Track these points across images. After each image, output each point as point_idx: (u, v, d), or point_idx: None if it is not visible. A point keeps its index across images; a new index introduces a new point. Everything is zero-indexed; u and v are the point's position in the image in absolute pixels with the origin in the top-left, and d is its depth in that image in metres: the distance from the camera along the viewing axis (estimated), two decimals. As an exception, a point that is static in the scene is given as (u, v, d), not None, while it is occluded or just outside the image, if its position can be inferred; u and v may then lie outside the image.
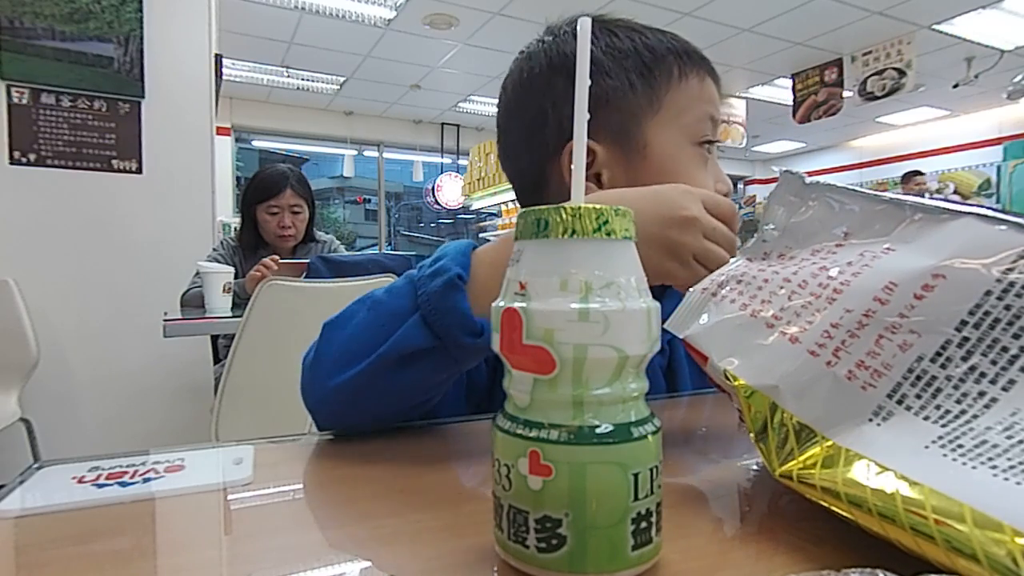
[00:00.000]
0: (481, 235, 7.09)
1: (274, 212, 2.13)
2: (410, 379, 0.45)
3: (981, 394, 0.26)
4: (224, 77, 3.35)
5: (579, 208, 0.25)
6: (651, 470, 0.25)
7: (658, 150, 0.62)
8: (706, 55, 0.66)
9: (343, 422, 0.48)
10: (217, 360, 2.24)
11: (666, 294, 0.44)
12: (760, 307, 0.34)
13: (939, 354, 0.28)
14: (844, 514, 0.27)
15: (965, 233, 0.30)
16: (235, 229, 2.37)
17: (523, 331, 0.25)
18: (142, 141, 2.29)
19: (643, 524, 0.25)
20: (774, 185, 0.39)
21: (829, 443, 0.29)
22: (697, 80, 0.64)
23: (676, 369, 0.67)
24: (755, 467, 0.40)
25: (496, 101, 0.71)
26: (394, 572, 0.28)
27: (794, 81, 5.65)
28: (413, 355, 0.44)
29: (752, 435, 0.32)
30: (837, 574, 0.20)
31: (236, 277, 1.91)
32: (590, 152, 0.63)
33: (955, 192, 7.28)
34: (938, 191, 7.42)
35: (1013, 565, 0.21)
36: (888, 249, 0.32)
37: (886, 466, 0.26)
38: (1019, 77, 5.18)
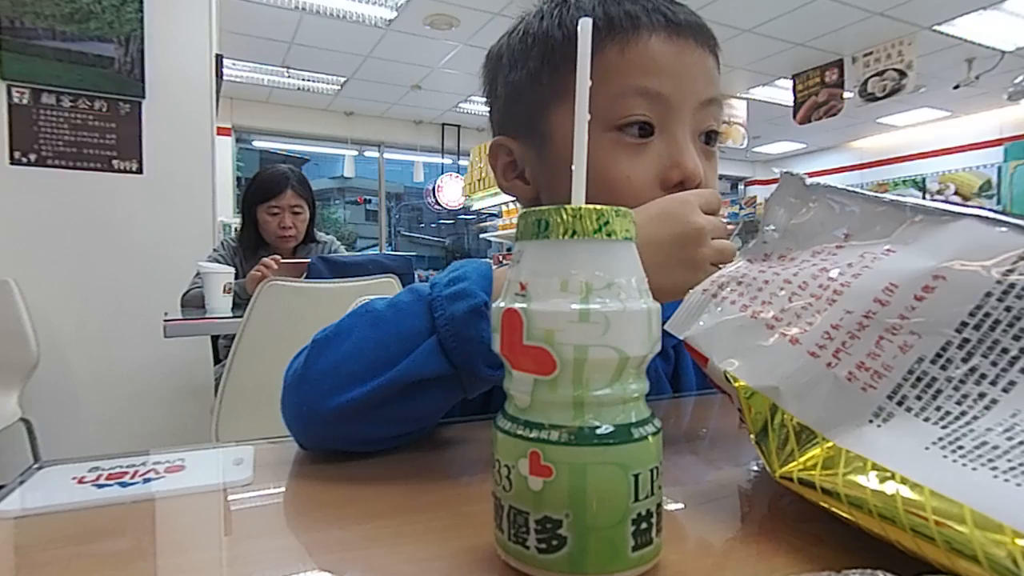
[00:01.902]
0: (482, 236, 7.09)
1: (275, 212, 2.13)
2: (416, 406, 0.42)
3: (981, 395, 0.26)
4: (224, 77, 3.35)
5: (579, 208, 0.25)
6: (651, 471, 0.25)
7: (560, 140, 0.55)
8: (664, 11, 0.55)
9: (330, 444, 0.43)
10: (217, 360, 2.25)
11: None
12: (760, 308, 0.34)
13: (939, 355, 0.28)
14: (844, 515, 0.27)
15: (965, 235, 0.30)
16: (235, 229, 2.37)
17: (523, 332, 0.25)
18: (142, 141, 2.29)
19: (643, 525, 0.25)
20: (775, 186, 0.39)
21: (829, 444, 0.29)
22: (617, 49, 0.54)
23: (682, 375, 0.66)
24: (755, 468, 0.40)
25: None
26: (394, 573, 0.28)
27: (795, 82, 5.65)
28: (424, 382, 0.40)
29: (752, 436, 0.32)
30: (837, 575, 0.20)
31: (236, 277, 1.91)
32: (507, 149, 0.62)
33: (956, 193, 7.27)
34: (938, 192, 7.42)
35: (1013, 566, 0.21)
36: (888, 250, 0.32)
37: (886, 467, 0.26)
38: (1020, 78, 5.17)
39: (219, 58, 2.57)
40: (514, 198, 0.66)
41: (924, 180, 7.60)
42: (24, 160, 2.14)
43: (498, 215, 6.51)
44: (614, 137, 0.54)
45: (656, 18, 0.55)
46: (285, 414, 0.43)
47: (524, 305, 0.25)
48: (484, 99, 0.68)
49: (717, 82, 0.58)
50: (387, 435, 0.43)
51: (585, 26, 0.28)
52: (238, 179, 6.52)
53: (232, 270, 1.89)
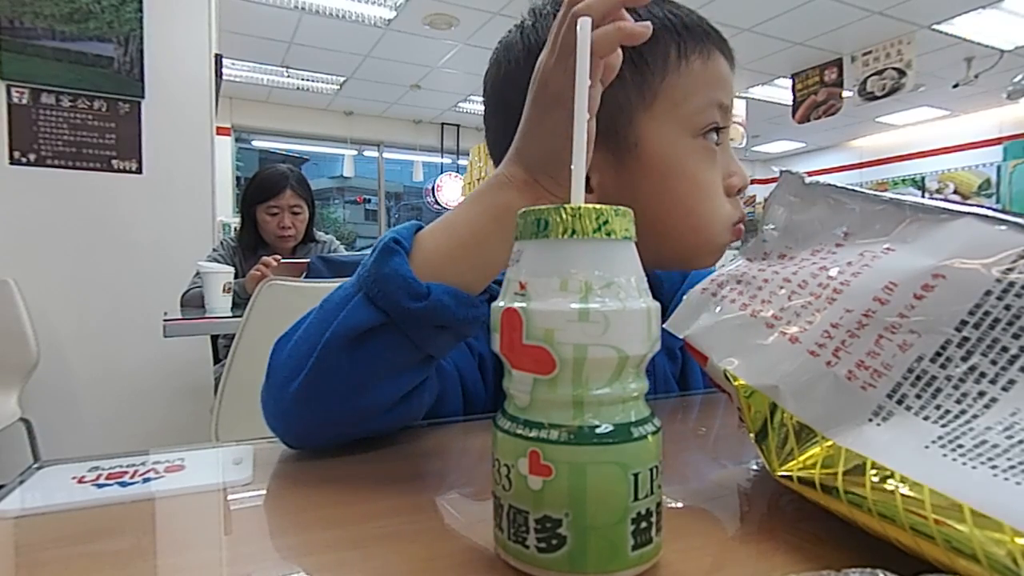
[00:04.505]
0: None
1: (274, 212, 2.13)
2: (362, 363, 0.41)
3: (981, 394, 0.26)
4: (224, 77, 3.35)
5: (579, 208, 0.25)
6: (651, 470, 0.25)
7: (651, 148, 0.54)
8: (713, 25, 0.57)
9: (310, 433, 0.44)
10: (217, 360, 2.24)
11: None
12: (760, 307, 0.34)
13: (939, 354, 0.28)
14: (844, 514, 0.27)
15: (965, 233, 0.30)
16: (235, 229, 2.37)
17: (523, 331, 0.25)
18: (142, 141, 2.29)
19: (643, 524, 0.25)
20: (774, 185, 0.40)
21: (829, 443, 0.29)
22: (701, 61, 0.55)
23: (689, 376, 0.66)
24: (755, 467, 0.40)
25: None
26: (393, 572, 0.28)
27: (794, 81, 5.65)
28: (361, 336, 0.41)
29: (752, 435, 0.32)
30: (837, 574, 0.20)
31: (236, 277, 1.91)
32: None
33: (955, 192, 7.28)
34: (938, 191, 7.43)
35: (1013, 565, 0.21)
36: (888, 249, 0.32)
37: (886, 466, 0.26)
38: (1019, 77, 5.17)
39: (218, 58, 2.57)
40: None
41: (923, 179, 7.61)
42: (24, 160, 2.14)
43: (498, 214, 6.50)
44: (698, 145, 0.55)
45: (715, 33, 0.57)
46: (265, 415, 0.45)
47: (523, 304, 0.25)
48: (490, 91, 0.61)
49: None
50: (354, 410, 0.42)
51: (584, 25, 0.28)
52: (238, 179, 6.52)
53: (231, 270, 1.88)
